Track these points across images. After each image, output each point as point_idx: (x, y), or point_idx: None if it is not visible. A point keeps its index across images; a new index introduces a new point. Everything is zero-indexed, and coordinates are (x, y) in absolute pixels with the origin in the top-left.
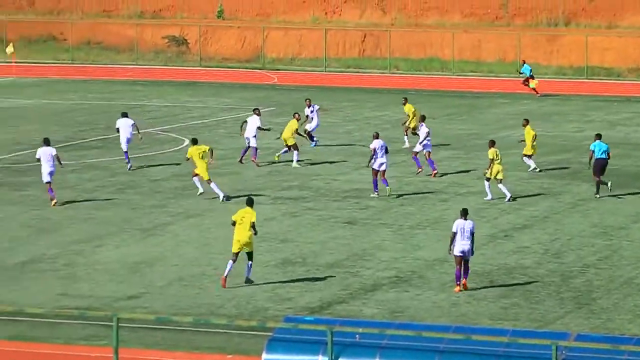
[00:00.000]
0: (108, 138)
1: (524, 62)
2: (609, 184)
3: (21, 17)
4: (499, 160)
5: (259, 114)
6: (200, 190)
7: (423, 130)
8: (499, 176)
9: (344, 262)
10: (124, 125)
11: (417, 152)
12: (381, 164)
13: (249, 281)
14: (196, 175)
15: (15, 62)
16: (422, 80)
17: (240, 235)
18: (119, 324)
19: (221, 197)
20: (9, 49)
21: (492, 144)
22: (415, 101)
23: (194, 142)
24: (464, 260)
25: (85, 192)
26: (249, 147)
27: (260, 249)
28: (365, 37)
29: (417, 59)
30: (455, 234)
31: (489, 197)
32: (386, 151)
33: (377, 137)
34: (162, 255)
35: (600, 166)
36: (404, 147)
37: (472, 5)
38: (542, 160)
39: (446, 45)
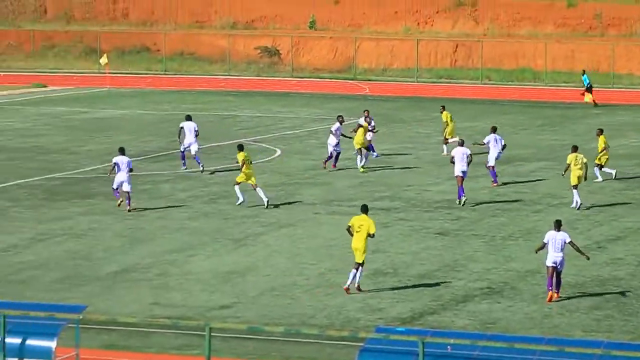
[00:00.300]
0: (201, 148)
1: (584, 72)
2: None
3: (115, 28)
4: (578, 166)
5: (342, 122)
6: (241, 199)
7: (492, 140)
8: (579, 182)
9: (435, 272)
10: (189, 128)
11: (493, 165)
12: (462, 171)
13: (359, 289)
14: (238, 184)
15: (109, 73)
16: (514, 91)
17: (357, 243)
18: (211, 334)
19: (266, 203)
20: (103, 60)
21: (574, 149)
22: (507, 111)
23: (241, 148)
24: (556, 272)
25: (178, 202)
26: (332, 153)
27: (351, 260)
28: (457, 47)
29: (509, 69)
30: (545, 244)
31: (575, 204)
32: (469, 160)
33: (461, 144)
34: (254, 265)
35: None
36: (443, 154)
37: (565, 15)
38: (637, 171)
39: (539, 56)
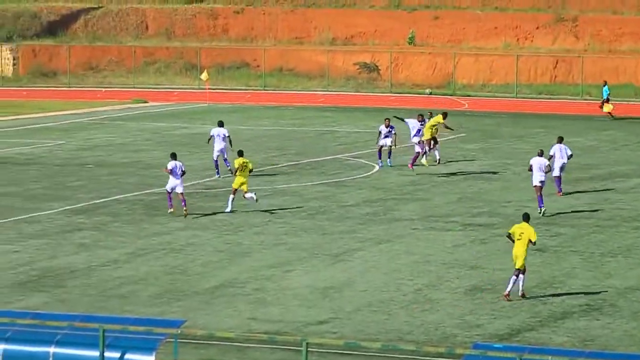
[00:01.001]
0: (299, 164)
1: (605, 83)
2: None
3: (215, 44)
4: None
5: (421, 120)
6: (229, 209)
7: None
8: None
9: (533, 289)
10: (218, 134)
11: (558, 175)
12: (540, 181)
13: (524, 296)
14: (235, 191)
15: (209, 89)
16: (616, 107)
17: (518, 250)
18: (308, 349)
19: (255, 199)
20: (204, 76)
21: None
22: (607, 127)
23: (240, 154)
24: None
25: (275, 217)
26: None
27: (449, 276)
28: (557, 63)
29: (610, 85)
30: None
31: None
32: (547, 171)
33: (540, 154)
34: (351, 280)
35: None
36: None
37: None
38: None
39: None
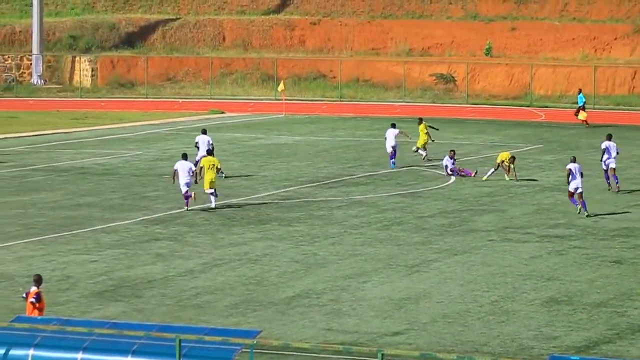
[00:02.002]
0: (375, 175)
1: (580, 91)
2: None
3: (292, 55)
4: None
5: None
6: (213, 205)
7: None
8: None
9: (611, 301)
10: (202, 142)
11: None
12: (576, 188)
13: None
14: (211, 189)
15: (285, 100)
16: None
17: None
18: None
19: (213, 205)
20: (280, 87)
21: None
22: None
23: (209, 153)
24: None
25: (351, 228)
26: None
27: (525, 287)
28: (635, 74)
29: None
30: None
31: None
32: (581, 175)
33: (574, 160)
34: (427, 291)
35: None
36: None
37: None
38: None
39: None
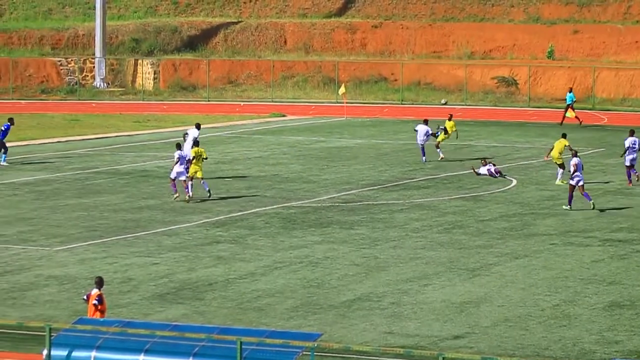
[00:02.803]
0: (436, 178)
1: (571, 90)
2: None
3: (353, 58)
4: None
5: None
6: (189, 194)
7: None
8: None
9: None
10: (192, 135)
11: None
12: (578, 180)
13: None
14: (191, 178)
15: (347, 103)
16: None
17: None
18: None
19: (208, 193)
20: (341, 90)
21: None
22: None
23: (196, 144)
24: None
25: (412, 231)
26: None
27: (587, 291)
28: None
29: None
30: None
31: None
32: (582, 168)
33: (575, 154)
34: (488, 295)
35: None
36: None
37: None
38: None
39: None
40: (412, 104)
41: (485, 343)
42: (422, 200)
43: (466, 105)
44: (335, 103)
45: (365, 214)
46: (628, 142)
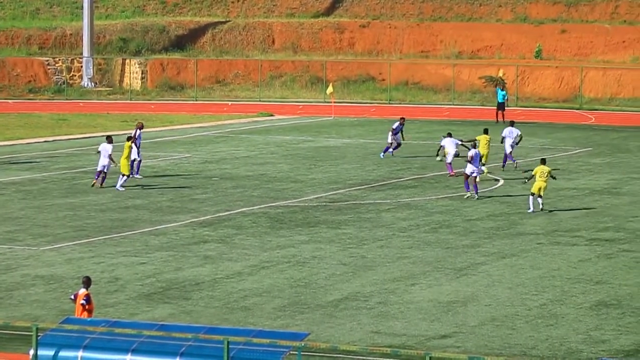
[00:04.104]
0: (423, 177)
1: (501, 88)
2: None
3: (341, 57)
4: (543, 178)
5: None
6: (119, 188)
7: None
8: (541, 192)
9: None
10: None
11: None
12: (472, 172)
13: None
14: (125, 175)
15: (334, 102)
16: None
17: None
18: None
19: (118, 188)
20: (329, 89)
21: (542, 161)
22: None
23: (129, 139)
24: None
25: (400, 231)
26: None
27: (574, 291)
28: None
29: None
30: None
31: (531, 209)
32: (478, 160)
33: (474, 146)
34: (475, 295)
35: None
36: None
37: None
38: None
39: None
40: (400, 103)
41: (472, 342)
42: (410, 199)
43: (453, 104)
44: (323, 102)
45: (353, 213)
46: (505, 131)
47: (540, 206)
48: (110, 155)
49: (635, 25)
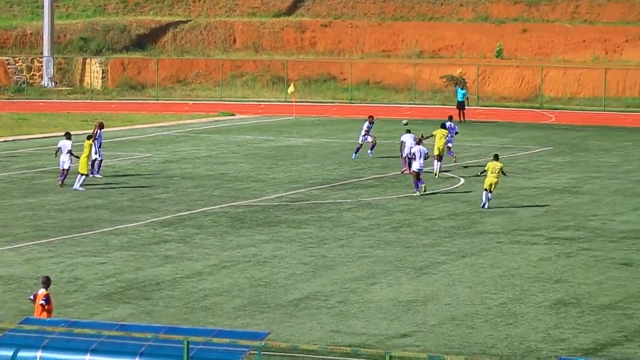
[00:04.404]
0: (384, 177)
1: (462, 87)
2: None
3: (302, 57)
4: (495, 174)
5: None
6: (78, 188)
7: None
8: (492, 188)
9: (619, 303)
10: (63, 147)
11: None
12: (419, 169)
13: None
14: (83, 175)
15: (296, 102)
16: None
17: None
18: None
19: (78, 188)
20: (290, 89)
21: (495, 157)
22: None
23: (89, 137)
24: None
25: (360, 230)
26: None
27: (533, 289)
28: None
29: None
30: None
31: (483, 204)
32: (423, 156)
33: (419, 142)
34: (435, 294)
35: None
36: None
37: None
38: None
39: None
40: (361, 103)
41: (432, 341)
42: (370, 199)
43: (415, 104)
44: (284, 102)
45: (314, 213)
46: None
47: (488, 202)
48: (70, 151)
49: (595, 25)
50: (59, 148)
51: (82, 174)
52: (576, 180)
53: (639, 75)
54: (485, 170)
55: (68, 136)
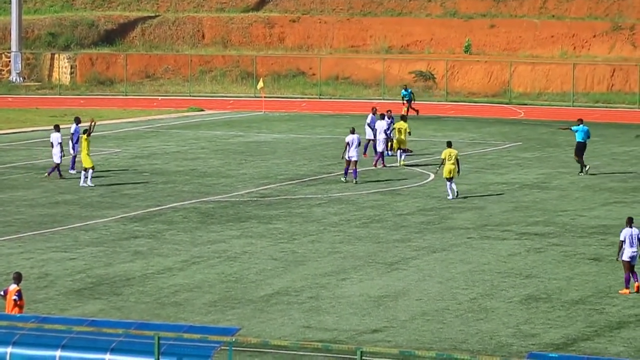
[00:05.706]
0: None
1: (406, 87)
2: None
3: (271, 52)
4: (452, 161)
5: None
6: (82, 184)
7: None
8: (452, 175)
9: (589, 298)
10: (54, 139)
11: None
12: (350, 157)
13: None
14: (86, 170)
15: (265, 97)
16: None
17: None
18: (363, 358)
19: (88, 183)
20: (260, 84)
21: (448, 144)
22: None
23: (85, 132)
24: (631, 265)
25: (330, 225)
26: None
27: (504, 285)
28: (614, 71)
29: None
30: (622, 242)
31: (450, 196)
32: (358, 146)
33: (352, 132)
34: (406, 289)
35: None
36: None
37: None
38: None
39: None
40: (330, 98)
41: (403, 337)
42: (340, 194)
43: (384, 99)
44: (253, 97)
45: (284, 208)
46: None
47: (455, 192)
48: (60, 143)
49: (563, 20)
50: (51, 142)
51: (87, 169)
52: (545, 176)
53: (606, 71)
54: (443, 159)
55: (57, 128)
